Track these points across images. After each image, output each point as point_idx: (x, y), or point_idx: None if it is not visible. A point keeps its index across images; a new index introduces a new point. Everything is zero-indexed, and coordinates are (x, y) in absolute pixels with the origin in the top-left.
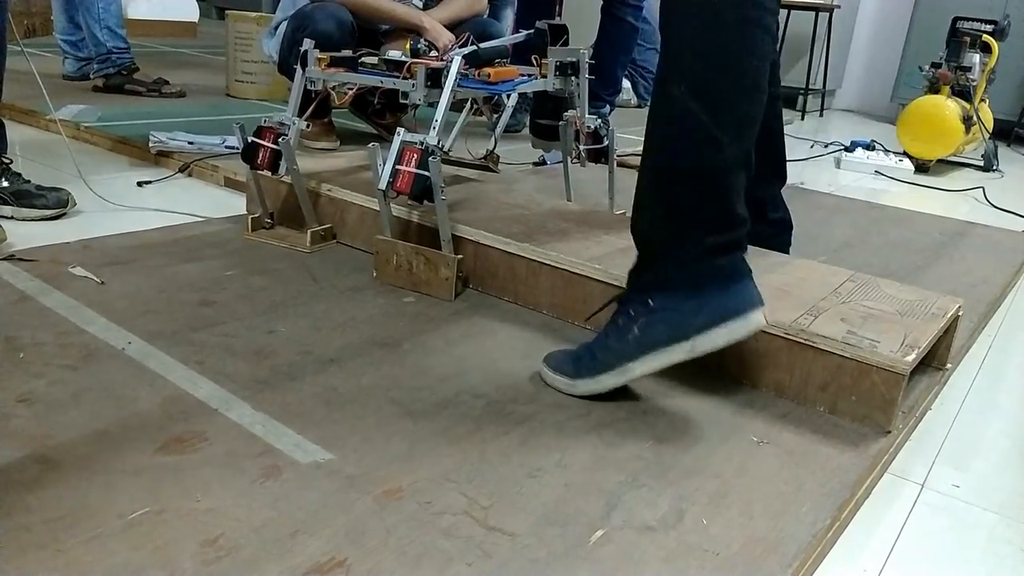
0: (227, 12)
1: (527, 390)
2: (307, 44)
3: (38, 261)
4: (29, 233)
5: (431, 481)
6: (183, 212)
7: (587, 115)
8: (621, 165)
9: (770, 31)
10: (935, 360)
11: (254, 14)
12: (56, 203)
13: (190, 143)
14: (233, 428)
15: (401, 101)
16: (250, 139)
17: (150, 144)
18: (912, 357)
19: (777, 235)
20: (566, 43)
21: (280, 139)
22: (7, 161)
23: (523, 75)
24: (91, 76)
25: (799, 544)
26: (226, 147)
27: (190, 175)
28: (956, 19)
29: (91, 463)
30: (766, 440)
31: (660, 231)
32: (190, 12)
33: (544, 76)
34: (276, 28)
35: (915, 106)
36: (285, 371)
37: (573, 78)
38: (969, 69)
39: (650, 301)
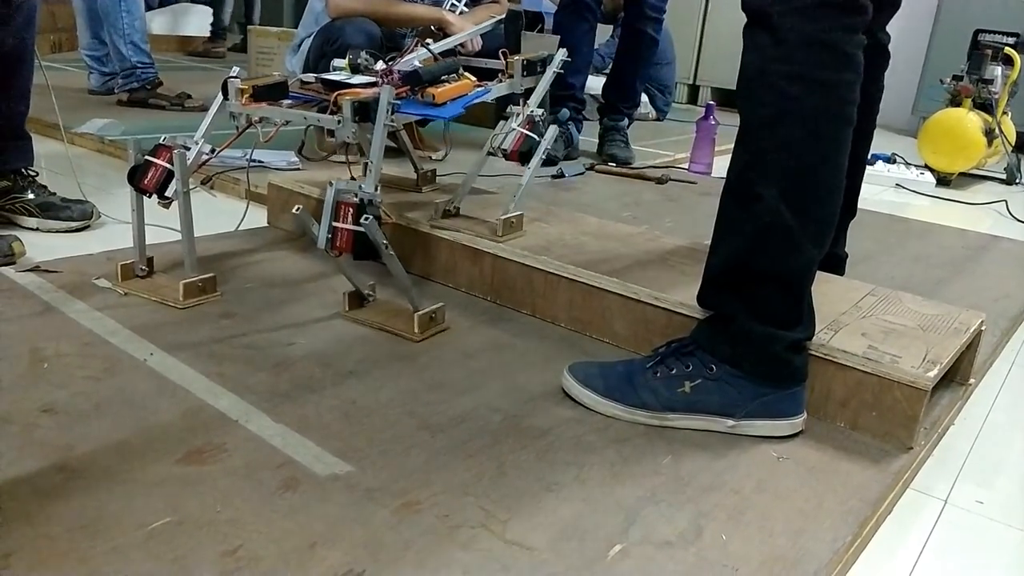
0: (249, 27)
1: (545, 404)
2: (234, 71)
3: (62, 272)
4: (54, 245)
5: (449, 494)
6: (205, 224)
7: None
8: (638, 177)
9: (854, 120)
10: (958, 375)
11: (276, 29)
12: (81, 215)
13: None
14: (253, 440)
15: (328, 139)
16: (145, 157)
17: None
18: (934, 373)
19: (832, 267)
20: (541, 31)
21: (176, 154)
22: (33, 174)
23: (479, 86)
24: (115, 90)
25: (819, 562)
26: (247, 160)
27: (212, 188)
28: (978, 31)
29: (113, 473)
30: (786, 456)
31: (741, 318)
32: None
33: (511, 76)
34: (299, 45)
35: (936, 119)
36: (304, 383)
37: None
38: (991, 82)
39: (714, 367)
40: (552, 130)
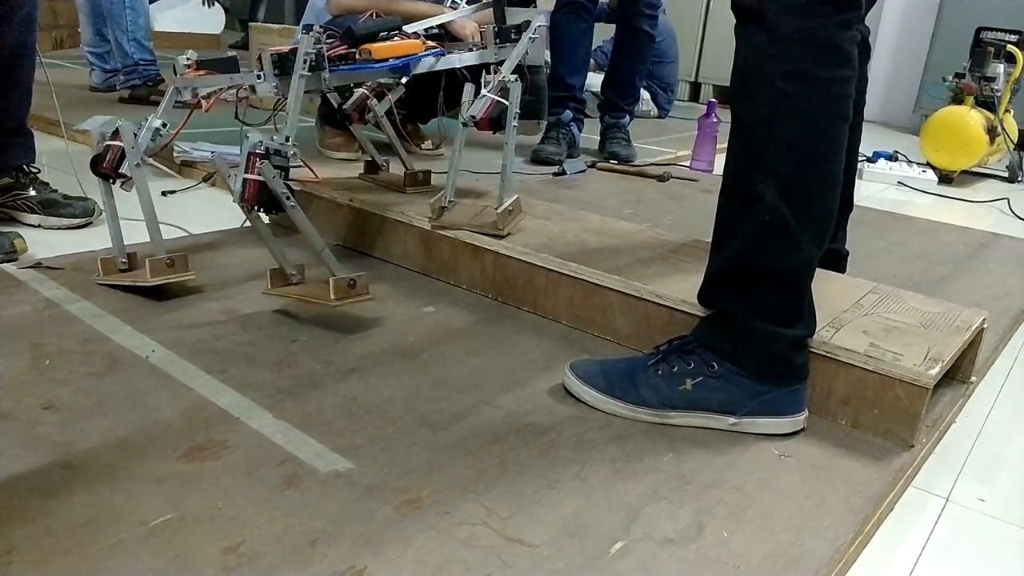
0: (250, 24)
1: (546, 402)
2: (187, 53)
3: (64, 269)
4: (55, 241)
5: (450, 491)
6: (208, 221)
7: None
8: (640, 175)
9: (851, 117)
10: (959, 373)
11: (277, 26)
12: (82, 212)
13: (213, 153)
14: (254, 436)
15: (333, 139)
16: (106, 143)
17: (174, 154)
18: (936, 371)
19: (832, 264)
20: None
21: (121, 128)
22: (35, 171)
23: (433, 47)
24: (117, 87)
25: (821, 559)
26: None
27: (213, 185)
28: (980, 29)
29: (114, 470)
30: (787, 454)
31: (742, 316)
32: (214, 25)
33: (484, 47)
34: None
35: (938, 117)
36: (306, 380)
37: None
38: (993, 79)
39: (715, 365)
40: (516, 88)
